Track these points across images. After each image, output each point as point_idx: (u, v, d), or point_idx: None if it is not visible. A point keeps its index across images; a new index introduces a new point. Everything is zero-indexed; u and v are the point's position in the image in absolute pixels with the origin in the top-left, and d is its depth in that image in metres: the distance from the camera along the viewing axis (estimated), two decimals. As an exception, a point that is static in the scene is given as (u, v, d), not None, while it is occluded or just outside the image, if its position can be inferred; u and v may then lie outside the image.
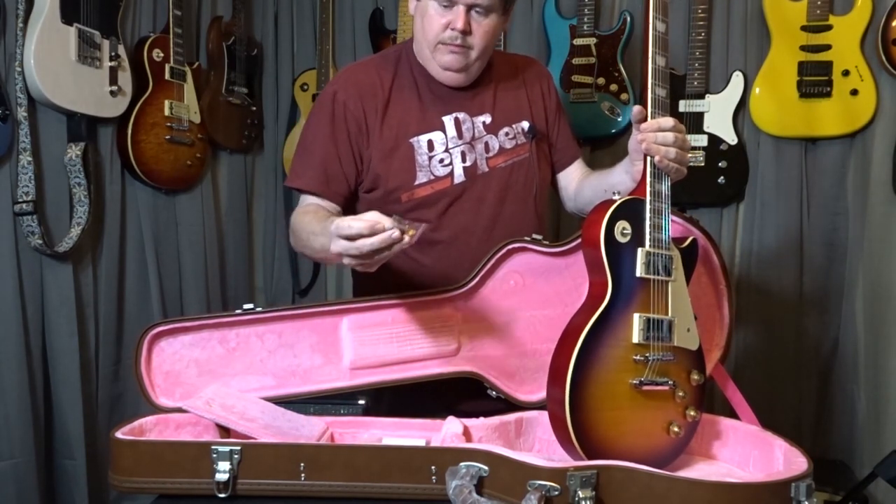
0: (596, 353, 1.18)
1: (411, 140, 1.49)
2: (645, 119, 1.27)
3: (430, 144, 1.49)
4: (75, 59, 1.99)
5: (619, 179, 1.40)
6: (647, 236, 1.22)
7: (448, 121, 1.51)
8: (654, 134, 1.24)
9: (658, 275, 1.22)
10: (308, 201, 1.49)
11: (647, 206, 1.23)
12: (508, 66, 1.61)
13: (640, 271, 1.21)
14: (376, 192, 1.50)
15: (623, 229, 1.21)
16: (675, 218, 1.38)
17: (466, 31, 1.42)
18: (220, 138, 2.62)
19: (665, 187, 1.25)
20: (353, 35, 2.75)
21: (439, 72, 1.48)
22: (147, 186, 2.33)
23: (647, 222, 1.22)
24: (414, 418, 1.34)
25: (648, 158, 1.25)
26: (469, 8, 1.41)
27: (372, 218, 1.11)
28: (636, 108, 1.28)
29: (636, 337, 1.20)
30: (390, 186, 1.48)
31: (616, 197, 1.23)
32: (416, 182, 1.48)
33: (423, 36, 1.47)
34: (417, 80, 1.53)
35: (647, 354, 1.20)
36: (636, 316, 1.20)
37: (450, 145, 1.50)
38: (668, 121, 1.25)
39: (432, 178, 1.48)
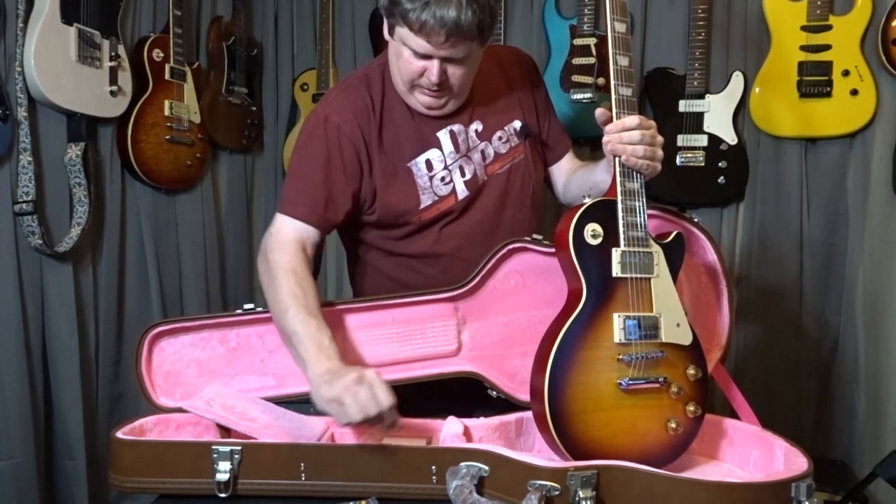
0: (575, 356, 1.18)
1: (409, 164, 1.45)
2: (610, 120, 1.26)
3: (429, 164, 1.46)
4: (75, 59, 1.99)
5: (601, 178, 1.39)
6: (622, 236, 1.22)
7: (443, 135, 1.47)
8: (618, 134, 1.24)
9: (637, 273, 1.22)
10: (287, 229, 1.39)
11: (620, 206, 1.23)
12: (492, 61, 1.52)
13: (616, 271, 1.21)
14: (382, 220, 1.46)
15: (593, 231, 1.22)
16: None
17: (442, 82, 1.36)
18: (220, 138, 2.62)
19: (638, 185, 1.25)
20: (353, 35, 2.76)
21: (418, 106, 1.43)
22: (147, 186, 2.33)
23: (621, 222, 1.22)
24: (414, 418, 1.34)
25: (617, 158, 1.25)
26: (443, 59, 1.34)
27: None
28: (598, 111, 1.28)
29: (618, 336, 1.20)
30: (396, 213, 1.45)
31: (586, 200, 1.24)
32: (422, 206, 1.45)
33: (399, 76, 1.40)
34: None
35: (632, 353, 1.20)
36: (616, 316, 1.20)
37: (448, 161, 1.46)
38: (633, 119, 1.25)
39: (436, 198, 1.46)
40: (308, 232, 1.40)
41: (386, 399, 1.18)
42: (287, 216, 1.41)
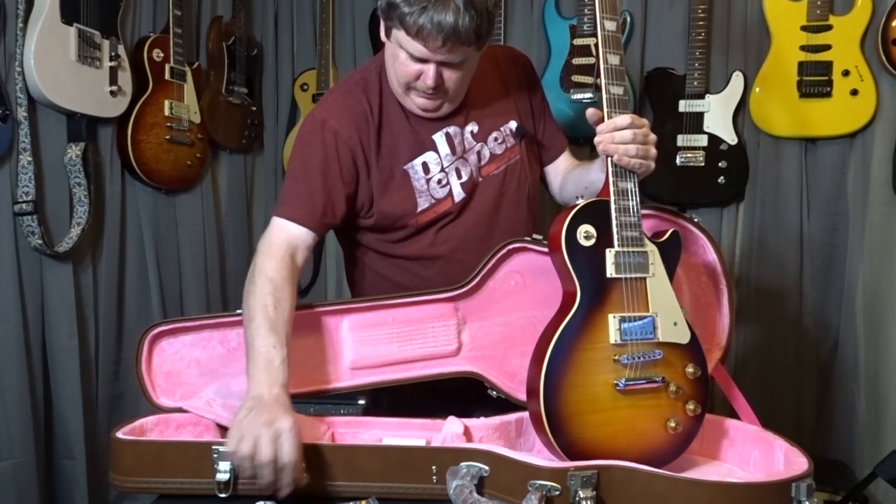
0: (571, 358, 1.18)
1: (405, 167, 1.45)
2: (602, 119, 1.26)
3: (426, 167, 1.45)
4: (75, 59, 1.99)
5: (595, 178, 1.39)
6: (616, 236, 1.22)
7: (439, 138, 1.46)
8: (610, 134, 1.24)
9: (631, 273, 1.22)
10: (279, 233, 1.38)
11: (613, 206, 1.22)
12: (488, 62, 1.50)
13: (610, 272, 1.21)
14: (380, 224, 1.46)
15: (586, 233, 1.21)
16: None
17: (438, 85, 1.35)
18: (220, 138, 2.62)
19: (631, 184, 1.24)
20: (353, 35, 2.76)
21: (413, 108, 1.43)
22: (147, 186, 2.33)
23: (614, 222, 1.22)
24: (414, 418, 1.34)
25: (609, 158, 1.24)
26: (440, 63, 1.33)
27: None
28: (590, 111, 1.28)
29: (613, 337, 1.19)
30: (394, 217, 1.45)
31: (579, 201, 1.23)
32: (419, 209, 1.45)
33: (395, 77, 1.39)
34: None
35: (628, 354, 1.19)
36: (611, 317, 1.20)
37: (444, 164, 1.46)
38: (624, 119, 1.24)
39: (433, 201, 1.45)
40: (303, 236, 1.39)
41: (289, 454, 1.11)
42: (283, 219, 1.40)
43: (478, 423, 1.32)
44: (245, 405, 1.17)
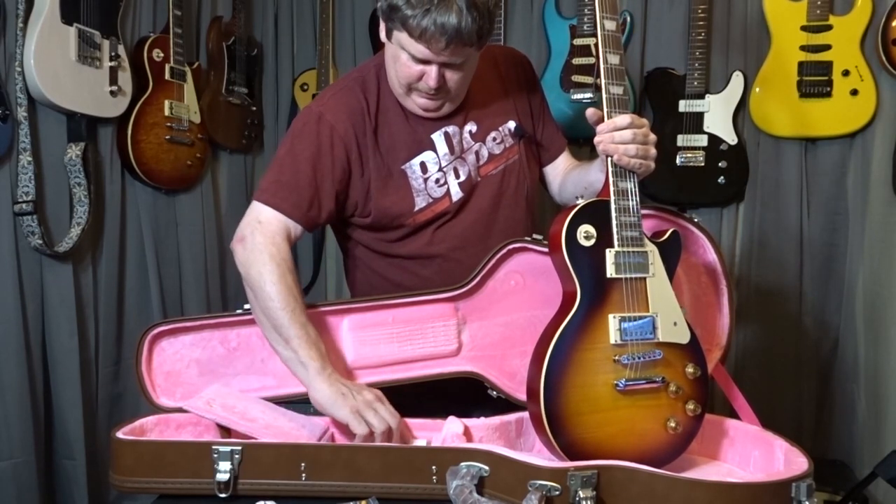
0: (570, 358, 1.18)
1: (403, 167, 1.44)
2: (602, 119, 1.26)
3: (424, 167, 1.45)
4: (75, 59, 1.99)
5: (595, 178, 1.39)
6: (616, 236, 1.22)
7: (438, 137, 1.46)
8: (610, 134, 1.24)
9: (631, 273, 1.22)
10: (275, 222, 1.40)
11: (613, 206, 1.22)
12: (487, 62, 1.51)
13: (610, 272, 1.21)
14: (377, 223, 1.46)
15: (586, 233, 1.21)
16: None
17: (440, 86, 1.35)
18: (220, 138, 2.62)
19: (631, 184, 1.24)
20: (353, 35, 2.76)
21: (414, 108, 1.43)
22: (147, 186, 2.33)
23: (614, 222, 1.22)
24: (414, 418, 1.34)
25: (609, 158, 1.24)
26: (442, 64, 1.33)
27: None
28: (590, 111, 1.28)
29: (613, 338, 1.19)
30: (391, 216, 1.45)
31: (579, 201, 1.23)
32: (416, 208, 1.45)
33: (396, 78, 1.39)
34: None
35: (628, 354, 1.19)
36: (611, 317, 1.20)
37: (443, 163, 1.46)
38: (624, 118, 1.24)
39: (430, 200, 1.45)
40: (292, 227, 1.40)
41: (393, 415, 1.28)
42: (270, 207, 1.41)
43: (478, 423, 1.32)
44: (332, 393, 1.28)
